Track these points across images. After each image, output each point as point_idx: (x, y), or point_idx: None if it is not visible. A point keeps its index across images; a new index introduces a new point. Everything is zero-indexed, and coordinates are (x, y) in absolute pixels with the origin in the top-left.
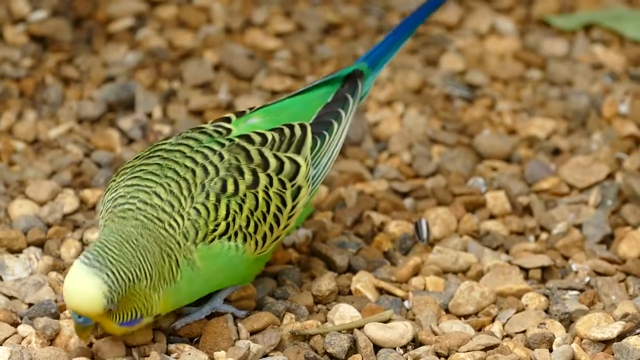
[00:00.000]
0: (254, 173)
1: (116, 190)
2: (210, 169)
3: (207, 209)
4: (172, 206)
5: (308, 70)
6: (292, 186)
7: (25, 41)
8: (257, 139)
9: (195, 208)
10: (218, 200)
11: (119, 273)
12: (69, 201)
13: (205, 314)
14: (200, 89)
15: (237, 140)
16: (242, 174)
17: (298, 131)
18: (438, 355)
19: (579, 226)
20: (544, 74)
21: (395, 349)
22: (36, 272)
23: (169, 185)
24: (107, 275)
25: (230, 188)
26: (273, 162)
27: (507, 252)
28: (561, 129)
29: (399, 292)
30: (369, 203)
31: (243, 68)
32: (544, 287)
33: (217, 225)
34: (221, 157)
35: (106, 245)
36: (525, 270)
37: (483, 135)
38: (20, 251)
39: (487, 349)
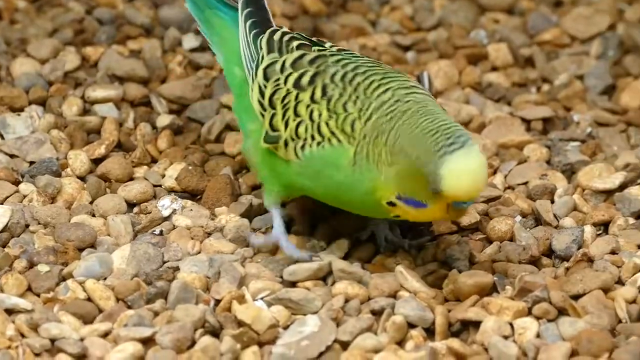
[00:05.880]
0: None
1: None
2: None
3: None
4: None
5: None
6: None
7: None
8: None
9: None
10: None
11: None
12: (70, 58)
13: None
14: None
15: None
16: None
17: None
18: None
19: (580, 77)
20: None
21: None
22: (38, 130)
23: None
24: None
25: None
26: None
27: (509, 103)
28: None
29: None
30: (371, 56)
31: None
32: (546, 139)
33: None
34: None
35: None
36: (527, 122)
37: None
38: (21, 109)
39: (489, 200)
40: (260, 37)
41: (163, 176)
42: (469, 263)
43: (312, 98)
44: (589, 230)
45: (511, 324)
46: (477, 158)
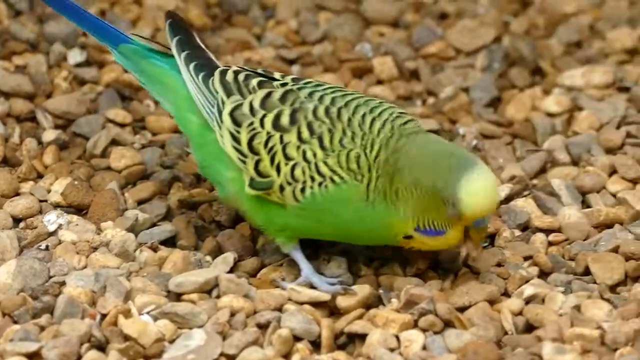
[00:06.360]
0: None
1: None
2: None
3: None
4: None
5: None
6: None
7: None
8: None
9: None
10: None
11: None
12: None
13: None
14: None
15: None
16: None
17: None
18: None
19: (466, 90)
20: None
21: None
22: None
23: None
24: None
25: None
26: None
27: None
28: None
29: None
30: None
31: None
32: None
33: None
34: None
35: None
36: None
37: (369, 0)
38: None
39: None
40: (211, 79)
41: (49, 191)
42: (355, 276)
43: (300, 138)
44: None
45: (397, 337)
46: (488, 174)
